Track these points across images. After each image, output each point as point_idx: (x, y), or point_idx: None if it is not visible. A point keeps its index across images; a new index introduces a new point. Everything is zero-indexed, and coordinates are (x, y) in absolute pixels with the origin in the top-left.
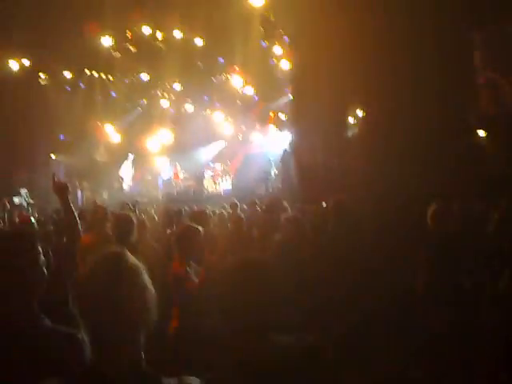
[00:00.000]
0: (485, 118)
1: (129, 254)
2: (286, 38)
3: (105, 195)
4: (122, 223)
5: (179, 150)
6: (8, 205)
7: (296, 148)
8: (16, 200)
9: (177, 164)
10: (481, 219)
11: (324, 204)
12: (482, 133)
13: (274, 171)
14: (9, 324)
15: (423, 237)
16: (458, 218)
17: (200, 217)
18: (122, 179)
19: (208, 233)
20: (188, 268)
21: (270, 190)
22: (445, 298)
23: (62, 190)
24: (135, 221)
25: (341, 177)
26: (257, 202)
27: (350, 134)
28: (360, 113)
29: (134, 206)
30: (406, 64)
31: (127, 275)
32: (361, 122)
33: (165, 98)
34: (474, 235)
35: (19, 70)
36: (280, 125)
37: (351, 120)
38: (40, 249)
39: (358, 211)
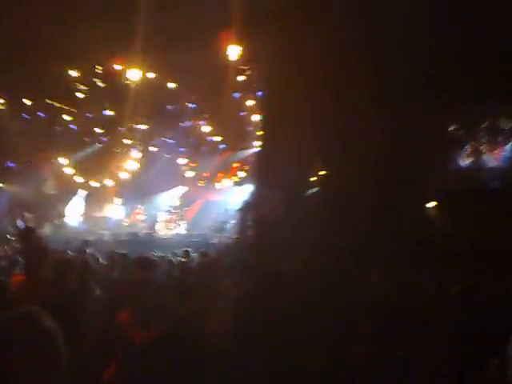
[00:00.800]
0: (438, 190)
1: (43, 314)
2: (258, 92)
3: (47, 229)
4: (60, 268)
5: (137, 192)
6: None
7: (256, 200)
8: None
9: (138, 206)
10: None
11: None
12: (433, 204)
13: (230, 221)
14: None
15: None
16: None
17: (145, 263)
18: (65, 215)
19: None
20: (136, 319)
21: (225, 240)
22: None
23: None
24: (78, 264)
25: (295, 233)
26: (207, 253)
27: (309, 192)
28: (321, 173)
29: (82, 247)
30: (367, 133)
31: (38, 338)
32: (320, 182)
33: (128, 138)
34: (410, 308)
35: None
36: (243, 176)
37: (313, 179)
38: None
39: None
